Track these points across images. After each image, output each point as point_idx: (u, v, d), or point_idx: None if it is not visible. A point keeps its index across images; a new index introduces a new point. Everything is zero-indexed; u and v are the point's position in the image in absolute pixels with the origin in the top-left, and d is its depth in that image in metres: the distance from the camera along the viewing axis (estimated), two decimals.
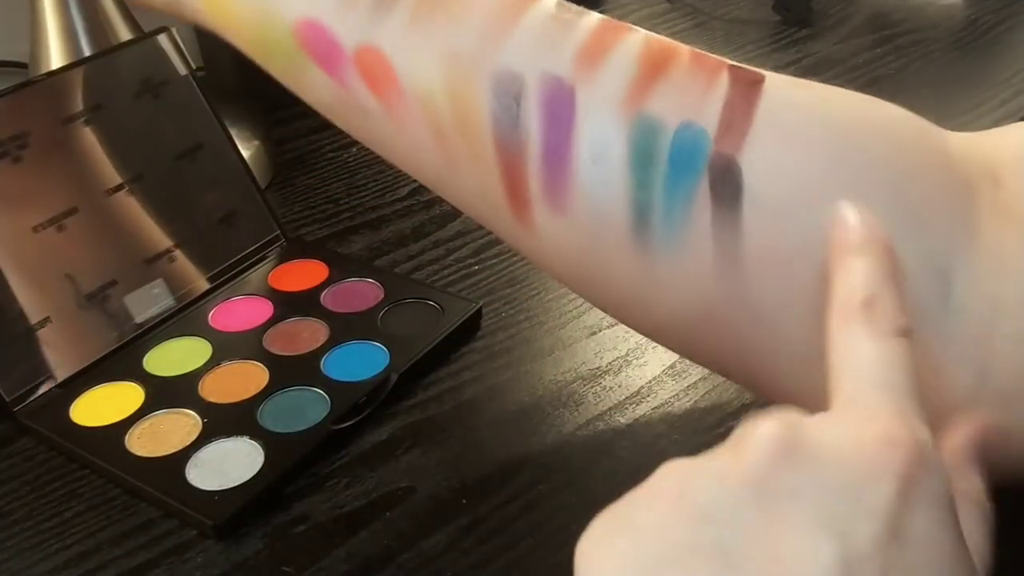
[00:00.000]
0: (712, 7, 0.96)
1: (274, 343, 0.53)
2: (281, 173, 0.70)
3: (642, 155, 0.33)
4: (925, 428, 0.27)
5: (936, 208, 0.33)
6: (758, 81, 0.34)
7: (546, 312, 0.56)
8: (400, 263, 0.61)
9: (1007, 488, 0.31)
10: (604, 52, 0.34)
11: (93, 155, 0.54)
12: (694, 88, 0.34)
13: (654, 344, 0.51)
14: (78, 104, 0.53)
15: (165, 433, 0.47)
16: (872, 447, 0.25)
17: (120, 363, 0.52)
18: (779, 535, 0.24)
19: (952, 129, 0.36)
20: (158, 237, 0.55)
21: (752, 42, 0.89)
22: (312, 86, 0.39)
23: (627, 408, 0.49)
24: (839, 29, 0.91)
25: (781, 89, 0.34)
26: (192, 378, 0.51)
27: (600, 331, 0.54)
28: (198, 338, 0.53)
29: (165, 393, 0.50)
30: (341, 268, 0.58)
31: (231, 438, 0.47)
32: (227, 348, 0.52)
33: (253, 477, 0.45)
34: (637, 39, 0.35)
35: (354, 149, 0.73)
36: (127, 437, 0.47)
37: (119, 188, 0.54)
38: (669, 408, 0.49)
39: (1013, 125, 0.37)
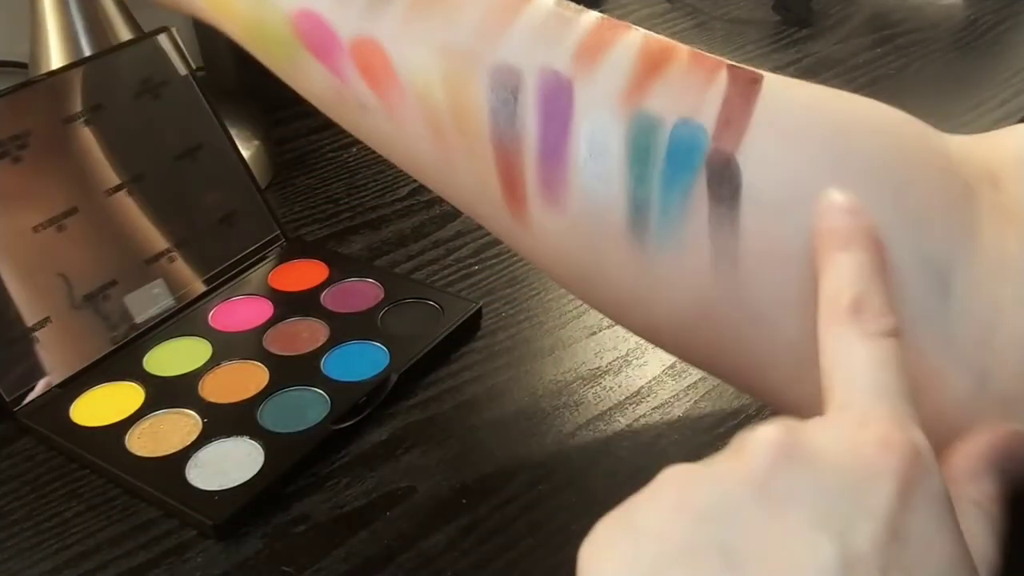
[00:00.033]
0: (712, 7, 0.96)
1: (274, 343, 0.53)
2: (281, 173, 0.70)
3: (640, 151, 0.33)
4: (919, 430, 0.27)
5: (935, 209, 0.33)
6: (757, 80, 0.34)
7: (546, 312, 0.56)
8: (400, 263, 0.61)
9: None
10: (603, 49, 0.34)
11: (93, 155, 0.54)
12: (693, 86, 0.34)
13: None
14: (78, 104, 0.53)
15: (165, 433, 0.47)
16: (869, 450, 0.26)
17: (120, 363, 0.52)
18: (779, 535, 0.24)
19: (952, 129, 0.36)
20: (158, 237, 0.55)
21: (752, 42, 0.89)
22: (308, 78, 0.39)
23: (627, 408, 0.49)
24: (839, 29, 0.91)
25: (780, 89, 0.34)
26: (192, 378, 0.51)
27: (600, 331, 0.54)
28: (198, 338, 0.53)
29: (165, 393, 0.50)
30: (341, 268, 0.58)
31: (231, 438, 0.47)
32: (227, 348, 0.52)
33: (253, 477, 0.45)
34: (636, 37, 0.35)
35: (354, 149, 0.73)
36: (127, 437, 0.47)
37: (119, 188, 0.54)
38: (669, 408, 0.49)
39: (1012, 127, 0.37)
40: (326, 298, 0.56)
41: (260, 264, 0.59)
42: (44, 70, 0.61)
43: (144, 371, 0.51)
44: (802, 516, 0.24)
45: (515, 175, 0.35)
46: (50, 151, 0.52)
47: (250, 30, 0.39)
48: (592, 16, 0.36)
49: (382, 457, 0.47)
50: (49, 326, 0.50)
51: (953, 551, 0.25)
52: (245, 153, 0.62)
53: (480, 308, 0.55)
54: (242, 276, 0.58)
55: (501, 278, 0.59)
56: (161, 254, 0.55)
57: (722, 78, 0.34)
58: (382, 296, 0.56)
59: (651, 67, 0.34)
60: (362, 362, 0.51)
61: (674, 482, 0.26)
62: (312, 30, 0.37)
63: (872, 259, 0.30)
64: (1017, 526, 0.30)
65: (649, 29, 0.36)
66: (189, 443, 0.47)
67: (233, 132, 0.60)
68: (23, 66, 0.69)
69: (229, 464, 0.45)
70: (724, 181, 0.33)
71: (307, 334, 0.53)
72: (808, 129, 0.33)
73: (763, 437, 0.26)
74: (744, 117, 0.33)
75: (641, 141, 0.33)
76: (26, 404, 0.49)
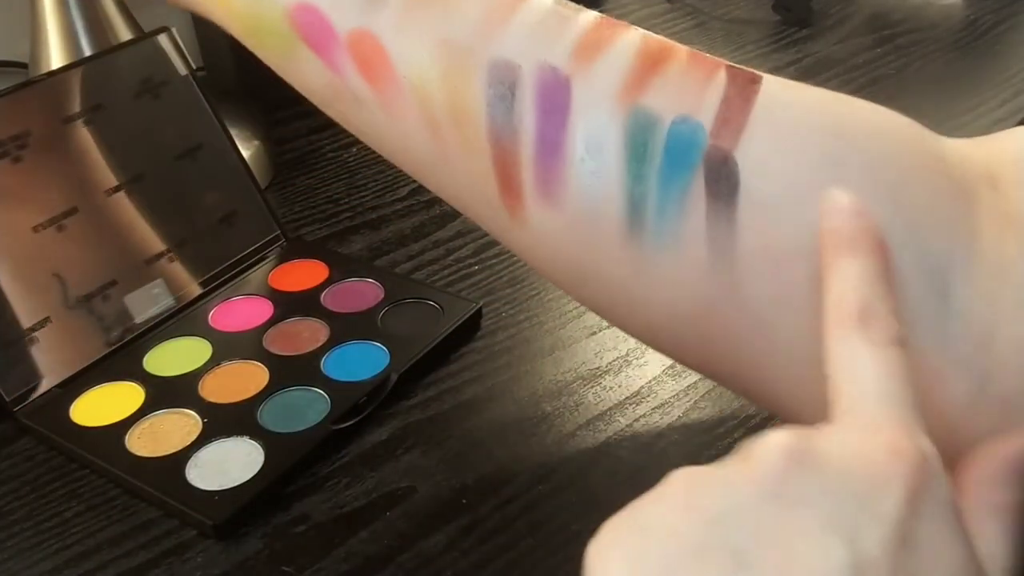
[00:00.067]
0: (712, 7, 0.96)
1: (274, 343, 0.53)
2: (281, 173, 0.70)
3: (637, 148, 0.33)
4: (926, 438, 0.27)
5: (934, 211, 0.33)
6: (756, 80, 0.34)
7: (546, 312, 0.56)
8: (400, 263, 0.61)
9: None
10: (602, 46, 0.34)
11: (93, 155, 0.54)
12: (691, 84, 0.33)
13: None
14: (78, 104, 0.53)
15: (165, 433, 0.47)
16: (879, 456, 0.26)
17: (120, 363, 0.52)
18: (789, 538, 0.24)
19: (952, 128, 0.36)
20: (158, 237, 0.55)
21: (752, 42, 0.89)
22: (304, 71, 0.39)
23: (627, 408, 0.49)
24: (839, 29, 0.91)
25: (779, 90, 0.34)
26: (192, 378, 0.51)
27: (600, 331, 0.54)
28: (198, 338, 0.53)
29: (165, 393, 0.50)
30: (341, 268, 0.58)
31: (231, 438, 0.47)
32: (227, 348, 0.53)
33: (253, 477, 0.45)
34: (635, 36, 0.35)
35: (354, 149, 0.73)
36: (127, 437, 0.47)
37: (119, 188, 0.54)
38: (669, 408, 0.49)
39: (1011, 130, 0.37)
40: (326, 298, 0.56)
41: (260, 264, 0.59)
42: (44, 70, 0.61)
43: (144, 371, 0.51)
44: (812, 519, 0.24)
45: (511, 171, 0.35)
46: (50, 151, 0.52)
47: (246, 21, 0.39)
48: (591, 15, 0.36)
49: (382, 457, 0.47)
50: (49, 326, 0.50)
51: (961, 558, 0.25)
52: (245, 153, 0.62)
53: (480, 308, 0.55)
54: (242, 276, 0.58)
55: (501, 278, 0.59)
56: (161, 254, 0.55)
57: (721, 78, 0.34)
58: (382, 296, 0.56)
59: (649, 65, 0.34)
60: (362, 362, 0.51)
61: (684, 483, 0.26)
62: (310, 23, 0.37)
63: (877, 264, 0.30)
64: None
65: (649, 29, 0.36)
66: (189, 443, 0.47)
67: (233, 132, 0.60)
68: (23, 66, 0.69)
69: (229, 464, 0.46)
70: (722, 179, 0.33)
71: (307, 334, 0.53)
72: (807, 130, 0.33)
73: (773, 442, 0.26)
74: (743, 116, 0.33)
75: (639, 138, 0.33)
76: (26, 404, 0.49)
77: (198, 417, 0.48)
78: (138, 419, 0.48)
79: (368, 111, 0.38)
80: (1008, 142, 0.36)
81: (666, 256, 0.34)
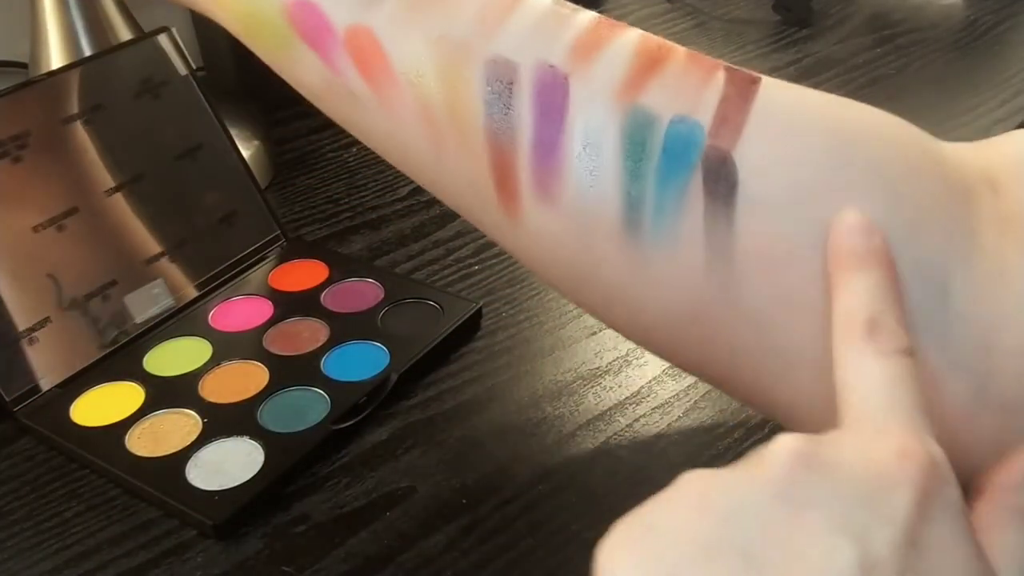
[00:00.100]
0: (712, 7, 0.96)
1: (274, 343, 0.53)
2: (281, 173, 0.70)
3: (635, 146, 0.33)
4: (935, 442, 0.27)
5: (934, 214, 0.33)
6: (755, 81, 0.34)
7: (546, 312, 0.56)
8: (400, 263, 0.61)
9: None
10: (600, 45, 0.34)
11: (93, 155, 0.54)
12: (690, 83, 0.33)
13: None
14: (78, 104, 0.53)
15: (165, 433, 0.47)
16: (887, 459, 0.26)
17: (120, 363, 0.52)
18: (799, 538, 0.24)
19: (952, 128, 0.36)
20: (158, 237, 0.55)
21: (752, 42, 0.89)
22: (300, 68, 0.39)
23: (627, 408, 0.49)
24: (839, 29, 0.91)
25: (778, 91, 0.34)
26: (192, 378, 0.51)
27: (600, 331, 0.54)
28: (198, 338, 0.53)
29: (165, 393, 0.50)
30: (341, 268, 0.58)
31: (231, 438, 0.47)
32: (227, 348, 0.53)
33: (253, 477, 0.45)
34: (633, 36, 0.35)
35: (354, 149, 0.73)
36: (127, 437, 0.47)
37: (119, 188, 0.54)
38: (669, 408, 0.49)
39: (1010, 133, 0.37)
40: (326, 298, 0.56)
41: (260, 264, 0.59)
42: (44, 70, 0.61)
43: (144, 371, 0.51)
44: (821, 520, 0.25)
45: (508, 169, 0.35)
46: (50, 151, 0.52)
47: (243, 17, 0.39)
48: (589, 15, 0.36)
49: (382, 457, 0.47)
50: (49, 326, 0.50)
51: (969, 561, 0.25)
52: (245, 153, 0.62)
53: (480, 308, 0.55)
54: (242, 276, 0.58)
55: (501, 278, 0.59)
56: (161, 254, 0.55)
57: (719, 78, 0.34)
58: (382, 296, 0.56)
59: (648, 65, 0.34)
60: (362, 362, 0.51)
61: (694, 485, 0.26)
62: (308, 20, 0.37)
63: (886, 278, 0.31)
64: None
65: (648, 29, 0.36)
66: (189, 443, 0.47)
67: (233, 132, 0.60)
68: (23, 66, 0.69)
69: (229, 464, 0.46)
70: (720, 179, 0.32)
71: (307, 334, 0.53)
72: (806, 131, 0.33)
73: (783, 446, 0.26)
74: (741, 116, 0.33)
75: (636, 136, 0.33)
76: (26, 404, 0.49)
77: (198, 417, 0.48)
78: (138, 419, 0.48)
79: (365, 108, 0.38)
80: (1007, 145, 0.36)
81: (663, 256, 0.34)
